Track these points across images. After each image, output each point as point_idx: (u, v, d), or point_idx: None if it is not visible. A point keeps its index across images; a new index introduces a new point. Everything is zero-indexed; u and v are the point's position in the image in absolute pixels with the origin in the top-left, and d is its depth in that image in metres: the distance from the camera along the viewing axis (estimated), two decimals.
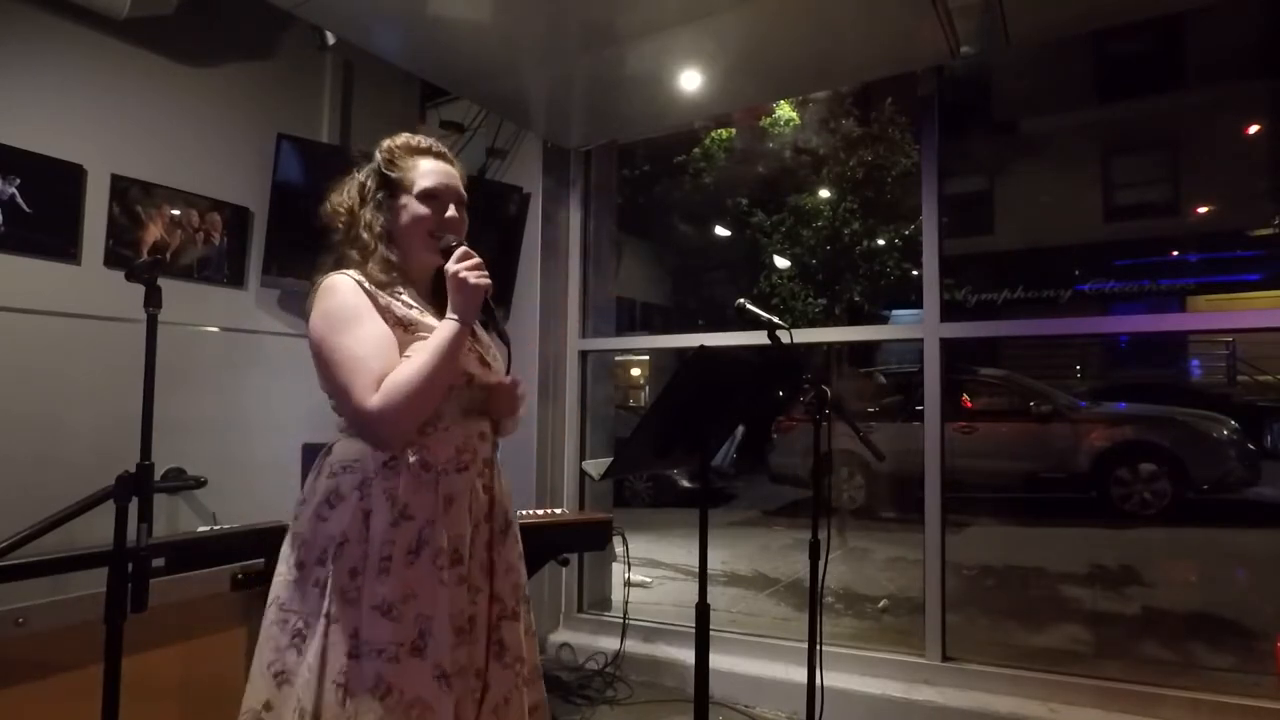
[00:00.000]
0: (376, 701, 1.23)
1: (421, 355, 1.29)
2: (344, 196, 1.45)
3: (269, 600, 1.36)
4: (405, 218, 1.40)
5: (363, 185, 1.44)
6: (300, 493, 1.42)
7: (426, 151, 1.45)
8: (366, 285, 1.35)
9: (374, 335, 1.30)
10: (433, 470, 1.32)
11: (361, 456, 1.33)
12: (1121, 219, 12.61)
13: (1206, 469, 6.65)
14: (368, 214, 1.41)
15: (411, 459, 1.31)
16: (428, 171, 1.42)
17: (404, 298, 1.39)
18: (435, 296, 1.45)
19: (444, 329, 1.31)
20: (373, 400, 1.25)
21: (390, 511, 1.29)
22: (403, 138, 1.47)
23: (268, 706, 1.29)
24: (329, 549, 1.31)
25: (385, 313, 1.34)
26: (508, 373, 1.48)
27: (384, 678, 1.24)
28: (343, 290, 1.34)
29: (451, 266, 1.33)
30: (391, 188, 1.42)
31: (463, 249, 1.35)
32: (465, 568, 1.34)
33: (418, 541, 1.30)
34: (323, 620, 1.27)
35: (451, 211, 1.42)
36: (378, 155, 1.45)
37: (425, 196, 1.40)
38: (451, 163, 1.48)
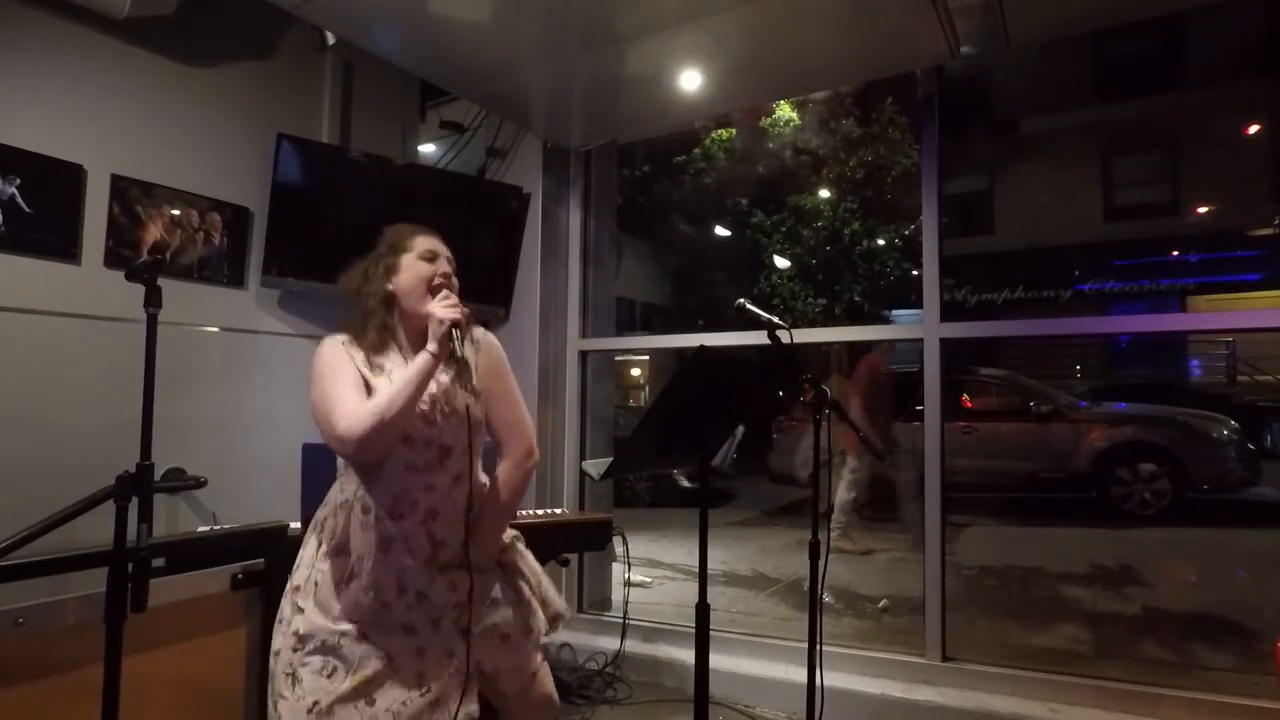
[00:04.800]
0: (326, 679, 1.48)
1: (390, 386, 1.51)
2: (351, 279, 1.68)
3: None
4: (408, 275, 1.63)
5: (368, 267, 1.68)
6: None
7: (421, 231, 1.71)
8: (351, 346, 1.60)
9: (346, 380, 1.55)
10: (370, 513, 1.54)
11: (330, 498, 1.62)
12: (1121, 219, 12.61)
13: (1206, 469, 6.65)
14: (373, 284, 1.64)
15: (355, 505, 1.55)
16: (424, 239, 1.68)
17: (381, 362, 1.61)
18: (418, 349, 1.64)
19: (417, 360, 1.51)
20: (341, 426, 1.47)
21: (329, 544, 1.57)
22: (400, 225, 1.72)
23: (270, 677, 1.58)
24: (295, 567, 1.62)
25: (359, 368, 1.58)
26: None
27: (328, 662, 1.49)
28: (325, 349, 1.61)
29: (429, 305, 1.56)
30: (394, 256, 1.65)
31: (444, 292, 1.59)
32: (413, 595, 1.55)
33: (349, 573, 1.54)
34: (279, 622, 1.58)
35: (444, 267, 1.67)
36: (381, 243, 1.69)
37: (423, 257, 1.65)
38: (441, 240, 1.73)
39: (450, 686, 1.56)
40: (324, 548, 1.57)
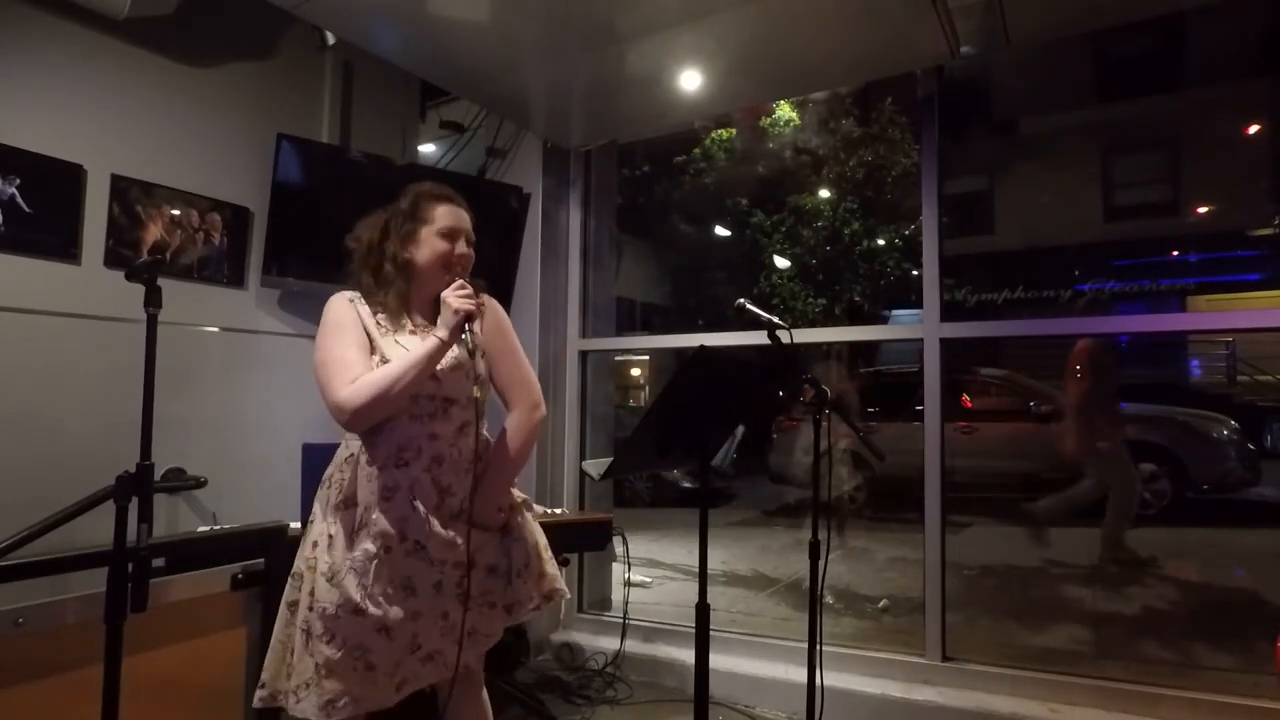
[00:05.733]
0: (324, 644, 1.52)
1: (397, 363, 1.54)
2: (369, 231, 1.69)
3: None
4: (426, 250, 1.66)
5: (388, 222, 1.69)
6: None
7: (446, 198, 1.71)
8: (359, 303, 1.64)
9: (351, 340, 1.59)
10: (375, 463, 1.58)
11: (337, 455, 1.66)
12: (1121, 219, 12.60)
13: (1206, 469, 6.64)
14: (392, 246, 1.66)
15: (360, 456, 1.59)
16: (445, 213, 1.69)
17: (389, 323, 1.64)
18: (434, 320, 1.67)
19: (426, 344, 1.54)
20: (343, 393, 1.53)
21: (337, 497, 1.60)
22: (427, 185, 1.72)
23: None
24: (309, 521, 1.66)
25: (366, 328, 1.62)
26: (486, 384, 1.72)
27: (329, 628, 1.53)
28: (335, 306, 1.65)
29: (445, 293, 1.58)
30: (415, 224, 1.67)
31: (459, 281, 1.60)
32: (411, 543, 1.57)
33: (358, 524, 1.57)
34: (291, 580, 1.64)
35: (462, 248, 1.69)
36: (404, 199, 1.70)
37: (443, 234, 1.66)
38: (464, 208, 1.74)
39: (445, 645, 1.60)
40: (332, 502, 1.60)
